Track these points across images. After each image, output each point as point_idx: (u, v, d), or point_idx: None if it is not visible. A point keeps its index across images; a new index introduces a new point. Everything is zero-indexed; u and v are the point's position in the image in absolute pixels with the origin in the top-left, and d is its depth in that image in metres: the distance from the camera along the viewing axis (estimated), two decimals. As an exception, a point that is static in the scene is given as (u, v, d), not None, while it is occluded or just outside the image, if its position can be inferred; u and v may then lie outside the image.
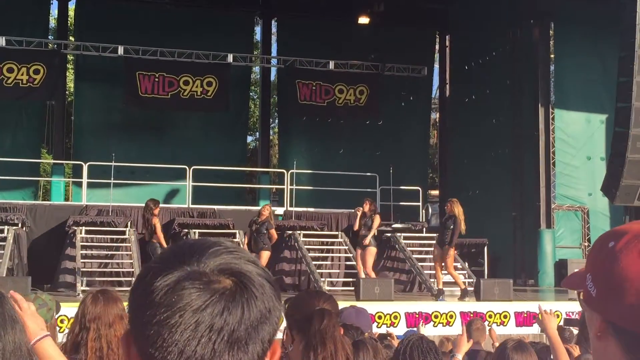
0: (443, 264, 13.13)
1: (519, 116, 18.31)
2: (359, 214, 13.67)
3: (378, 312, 11.75)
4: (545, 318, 4.03)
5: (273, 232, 13.62)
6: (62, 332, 6.68)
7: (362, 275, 13.10)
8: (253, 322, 1.02)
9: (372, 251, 13.35)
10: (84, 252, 13.75)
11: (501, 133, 18.87)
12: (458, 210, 13.01)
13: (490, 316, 12.22)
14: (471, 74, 20.60)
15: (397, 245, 15.75)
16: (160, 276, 1.02)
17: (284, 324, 2.92)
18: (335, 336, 2.53)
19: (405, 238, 15.88)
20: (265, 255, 13.30)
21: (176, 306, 0.99)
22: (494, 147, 19.18)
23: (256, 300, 1.03)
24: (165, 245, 12.71)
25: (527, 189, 17.92)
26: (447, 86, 22.32)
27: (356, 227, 13.76)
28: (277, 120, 25.67)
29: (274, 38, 22.87)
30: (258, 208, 18.08)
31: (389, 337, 6.37)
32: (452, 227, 12.94)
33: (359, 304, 10.97)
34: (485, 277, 15.02)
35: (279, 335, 1.29)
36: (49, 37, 21.18)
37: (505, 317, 12.33)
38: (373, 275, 13.27)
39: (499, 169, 18.80)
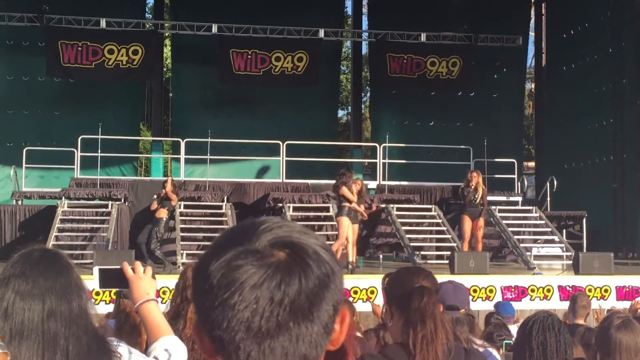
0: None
1: (620, 85, 17.61)
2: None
3: (473, 286, 11.66)
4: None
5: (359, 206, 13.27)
6: (164, 302, 6.95)
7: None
8: (313, 289, 1.02)
9: (340, 221, 12.61)
10: (182, 225, 14.20)
11: (601, 102, 18.22)
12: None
13: (590, 290, 11.93)
14: (569, 42, 19.92)
15: (492, 219, 15.54)
16: (214, 260, 1.04)
17: (381, 300, 2.97)
18: (435, 314, 2.56)
19: (500, 211, 15.64)
20: (355, 228, 13.18)
21: (234, 285, 1.01)
22: (593, 117, 18.55)
23: (312, 267, 1.03)
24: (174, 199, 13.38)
25: (629, 160, 17.28)
26: (543, 55, 21.66)
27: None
28: (368, 94, 25.61)
29: (364, 11, 22.73)
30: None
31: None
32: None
33: (453, 277, 10.92)
34: (584, 251, 14.63)
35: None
36: (147, 17, 21.76)
37: (605, 291, 12.01)
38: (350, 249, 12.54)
39: (599, 140, 18.19)
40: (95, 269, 2.43)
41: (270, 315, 1.01)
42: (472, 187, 13.43)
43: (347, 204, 12.48)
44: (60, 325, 1.69)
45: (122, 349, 2.00)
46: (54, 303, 1.70)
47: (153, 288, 2.37)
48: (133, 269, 2.38)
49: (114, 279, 2.42)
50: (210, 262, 1.05)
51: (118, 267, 2.43)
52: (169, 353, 2.29)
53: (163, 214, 13.47)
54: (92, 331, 1.76)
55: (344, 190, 12.45)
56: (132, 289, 2.35)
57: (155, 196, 14.09)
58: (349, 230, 12.49)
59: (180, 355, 2.33)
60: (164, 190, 13.73)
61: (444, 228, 14.85)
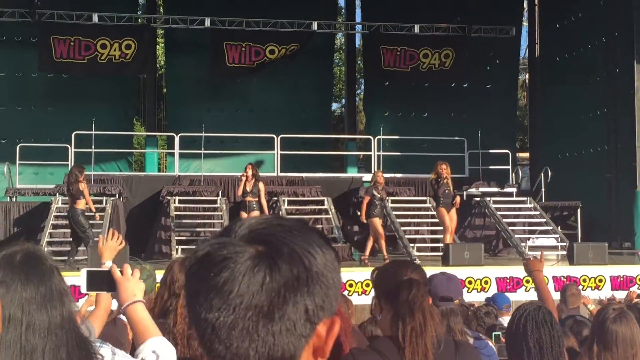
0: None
1: (614, 75, 17.62)
2: (244, 179, 13.09)
3: (468, 277, 11.69)
4: (533, 261, 3.97)
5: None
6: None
7: None
8: (276, 289, 0.99)
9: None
10: (177, 221, 14.19)
11: (595, 92, 18.22)
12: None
13: (584, 280, 11.97)
14: (562, 32, 19.91)
15: (486, 210, 15.56)
16: (191, 255, 1.05)
17: (372, 293, 2.97)
18: (424, 306, 2.55)
19: (494, 202, 15.66)
20: (378, 221, 13.27)
21: (202, 279, 1.01)
22: (587, 107, 18.56)
23: (279, 267, 1.00)
24: (93, 209, 12.10)
25: (623, 150, 17.31)
26: (537, 46, 21.66)
27: (239, 193, 13.22)
28: (362, 87, 25.59)
29: (357, 2, 22.70)
30: (346, 175, 18.25)
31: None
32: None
33: (448, 269, 10.95)
34: (579, 241, 14.66)
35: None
36: (139, 11, 21.69)
37: (600, 281, 12.05)
38: None
39: (593, 130, 18.20)
40: (83, 272, 2.41)
41: (228, 310, 0.99)
42: (444, 178, 13.32)
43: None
44: (39, 338, 1.66)
45: (105, 350, 1.98)
46: (33, 315, 1.67)
47: (140, 289, 2.37)
48: (121, 271, 2.37)
49: (101, 282, 2.41)
50: (189, 257, 1.05)
51: (106, 269, 2.42)
52: (156, 354, 2.28)
53: (81, 204, 12.96)
54: (73, 339, 1.72)
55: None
56: (119, 290, 2.34)
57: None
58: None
59: (168, 356, 2.32)
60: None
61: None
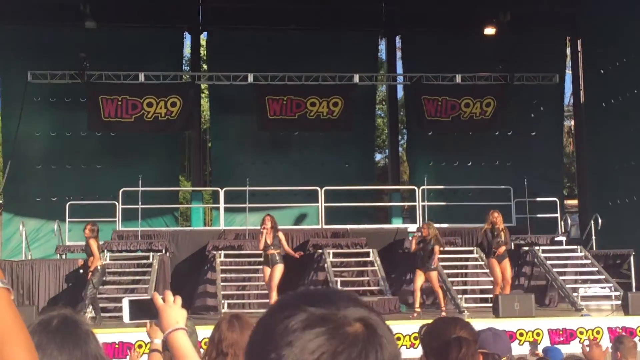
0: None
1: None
2: (264, 232, 12.72)
3: (519, 329, 11.41)
4: (592, 346, 3.84)
5: (436, 248, 13.22)
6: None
7: None
8: None
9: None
10: (223, 275, 14.20)
11: (643, 137, 17.90)
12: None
13: (641, 331, 11.57)
14: (607, 77, 19.70)
15: (536, 260, 15.26)
16: (284, 317, 1.04)
17: (419, 351, 2.89)
18: (474, 365, 2.48)
19: (544, 252, 15.35)
20: (434, 275, 13.15)
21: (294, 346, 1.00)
22: (637, 152, 18.21)
23: (385, 343, 1.04)
24: (98, 259, 12.53)
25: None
26: (581, 92, 21.46)
27: (261, 247, 12.84)
28: (405, 137, 25.59)
29: (398, 54, 22.87)
30: (391, 226, 18.14)
31: None
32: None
33: (499, 321, 10.71)
34: (634, 290, 14.24)
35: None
36: (183, 69, 22.17)
37: (657, 331, 11.64)
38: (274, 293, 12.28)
39: (643, 175, 17.82)
40: (125, 301, 2.41)
41: None
42: (498, 228, 13.10)
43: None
44: None
45: None
46: None
47: (183, 317, 2.34)
48: (163, 299, 2.35)
49: (143, 311, 2.40)
50: (277, 316, 1.05)
51: (148, 297, 2.41)
52: None
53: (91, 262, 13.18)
54: None
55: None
56: (162, 317, 2.32)
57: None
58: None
59: None
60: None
61: (487, 270, 14.60)
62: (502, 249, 13.07)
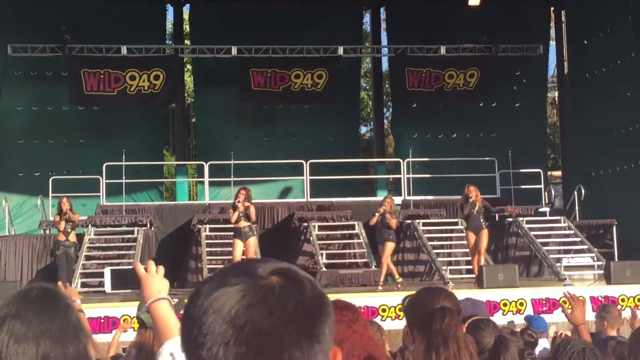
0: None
1: (646, 89, 17.35)
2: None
3: (503, 300, 11.52)
4: (573, 305, 3.86)
5: (393, 222, 13.35)
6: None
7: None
8: (310, 307, 1.04)
9: None
10: (209, 249, 14.19)
11: (627, 107, 17.95)
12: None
13: (622, 300, 11.72)
14: (591, 48, 19.72)
15: (520, 230, 15.35)
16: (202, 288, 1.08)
17: (404, 322, 2.90)
18: (458, 335, 2.48)
19: (527, 222, 15.45)
20: (390, 246, 13.19)
21: (233, 299, 1.04)
22: (621, 123, 18.27)
23: (306, 288, 1.06)
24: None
25: (659, 165, 17.00)
26: (565, 63, 21.47)
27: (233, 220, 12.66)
28: (390, 110, 25.56)
29: (383, 26, 22.74)
30: (376, 198, 18.15)
31: None
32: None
33: (483, 292, 10.78)
34: (616, 260, 14.38)
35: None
36: (166, 42, 21.93)
37: (639, 300, 11.79)
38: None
39: (628, 146, 17.90)
40: (107, 270, 2.41)
41: (269, 332, 0.99)
42: (472, 200, 13.17)
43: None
44: None
45: None
46: (48, 347, 1.64)
47: (165, 287, 2.32)
48: (146, 268, 2.33)
49: (125, 281, 2.40)
50: (204, 287, 1.08)
51: (130, 267, 2.40)
52: (173, 357, 2.22)
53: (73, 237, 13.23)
54: None
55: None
56: (144, 287, 2.29)
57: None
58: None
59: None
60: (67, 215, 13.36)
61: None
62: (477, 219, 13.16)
